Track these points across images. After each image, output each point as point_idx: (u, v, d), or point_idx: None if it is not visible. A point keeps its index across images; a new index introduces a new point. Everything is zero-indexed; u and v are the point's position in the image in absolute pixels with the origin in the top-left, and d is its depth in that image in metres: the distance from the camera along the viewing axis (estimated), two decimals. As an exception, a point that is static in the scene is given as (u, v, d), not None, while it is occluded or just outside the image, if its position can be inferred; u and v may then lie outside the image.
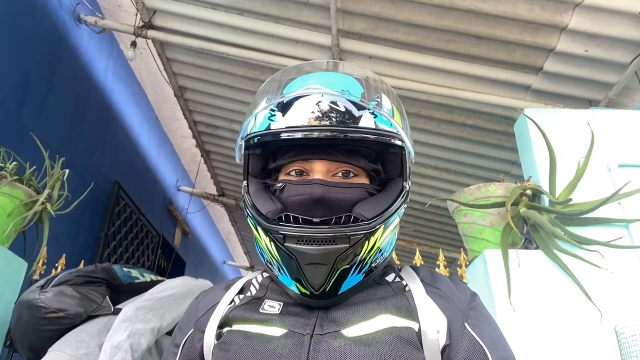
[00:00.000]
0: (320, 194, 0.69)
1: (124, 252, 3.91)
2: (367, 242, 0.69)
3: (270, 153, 0.79)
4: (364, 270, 0.71)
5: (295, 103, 0.72)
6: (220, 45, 2.81)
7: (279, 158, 0.77)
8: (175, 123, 4.74)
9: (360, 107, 0.72)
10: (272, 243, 0.71)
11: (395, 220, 0.74)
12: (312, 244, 0.67)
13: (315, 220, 0.69)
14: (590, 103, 2.40)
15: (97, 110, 3.58)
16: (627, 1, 1.93)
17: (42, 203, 1.91)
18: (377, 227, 0.70)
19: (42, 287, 1.57)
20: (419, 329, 0.67)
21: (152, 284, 1.71)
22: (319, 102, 0.71)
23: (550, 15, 2.07)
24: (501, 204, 1.81)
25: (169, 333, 1.66)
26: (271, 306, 0.73)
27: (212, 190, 5.31)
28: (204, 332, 0.74)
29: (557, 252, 1.74)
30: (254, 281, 0.81)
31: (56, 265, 2.39)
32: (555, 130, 2.03)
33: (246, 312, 0.72)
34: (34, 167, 1.97)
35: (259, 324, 0.70)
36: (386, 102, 0.76)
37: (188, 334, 0.76)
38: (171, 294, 1.58)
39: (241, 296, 0.78)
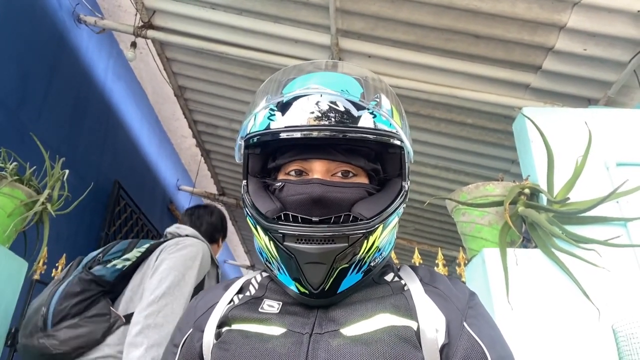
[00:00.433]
0: (320, 193, 0.70)
1: (124, 251, 3.91)
2: (366, 241, 0.70)
3: (269, 153, 0.79)
4: (362, 270, 0.72)
5: (295, 103, 0.73)
6: (219, 45, 2.82)
7: (278, 157, 0.77)
8: (175, 123, 4.74)
9: (359, 107, 0.73)
10: (271, 242, 0.71)
11: (394, 220, 0.75)
12: (311, 243, 0.68)
13: (314, 219, 0.69)
14: (589, 102, 2.40)
15: (97, 111, 3.59)
16: (626, 0, 1.93)
17: (43, 203, 1.91)
18: (376, 226, 0.70)
19: (42, 328, 1.53)
20: (418, 328, 0.67)
21: (140, 259, 1.70)
22: (318, 101, 0.72)
23: (549, 14, 2.07)
24: (499, 203, 1.82)
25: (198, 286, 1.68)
26: (270, 306, 0.73)
27: (213, 189, 5.32)
28: (203, 331, 0.74)
29: (555, 251, 1.74)
30: (253, 281, 0.81)
31: (56, 265, 2.40)
32: (553, 129, 2.04)
33: (245, 312, 0.72)
34: (34, 167, 1.97)
35: (258, 323, 0.70)
36: (385, 102, 0.76)
37: (187, 334, 0.77)
38: (171, 283, 1.56)
39: (240, 296, 0.78)
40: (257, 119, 0.75)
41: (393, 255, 2.00)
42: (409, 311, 0.69)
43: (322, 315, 0.70)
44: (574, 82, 2.34)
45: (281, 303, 0.73)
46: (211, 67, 3.23)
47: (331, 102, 0.72)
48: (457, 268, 2.22)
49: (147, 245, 1.73)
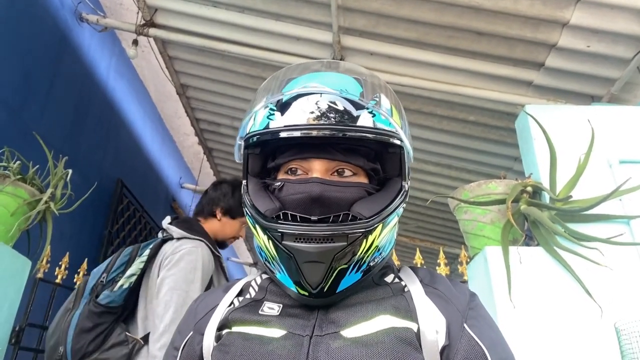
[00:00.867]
0: (319, 192, 0.69)
1: (127, 249, 3.92)
2: (365, 240, 0.70)
3: (269, 152, 0.79)
4: (362, 269, 0.71)
5: (294, 102, 0.73)
6: (221, 43, 2.82)
7: (278, 157, 0.77)
8: (178, 121, 4.75)
9: (358, 106, 0.72)
10: (270, 241, 0.71)
11: (393, 220, 0.75)
12: (310, 242, 0.67)
13: (313, 218, 0.69)
14: (592, 99, 2.39)
15: (100, 109, 3.59)
16: (629, -4, 1.92)
17: (46, 202, 1.92)
18: (375, 225, 0.70)
19: None
20: (418, 329, 0.67)
21: (143, 270, 1.67)
22: (318, 101, 0.72)
23: (552, 10, 2.06)
24: (502, 201, 1.81)
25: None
26: (270, 308, 0.73)
27: (215, 187, 5.32)
28: (203, 334, 0.74)
29: (558, 249, 1.74)
30: (253, 283, 0.81)
31: (60, 263, 2.41)
32: (556, 126, 2.03)
33: (245, 314, 0.72)
34: (37, 166, 1.98)
35: (258, 325, 0.70)
36: (385, 101, 0.76)
37: (187, 337, 0.77)
38: (177, 305, 1.55)
39: (240, 298, 0.78)
40: (257, 119, 0.75)
41: (395, 257, 2.01)
42: (409, 313, 0.69)
43: (323, 317, 0.70)
44: (577, 79, 2.33)
45: (281, 305, 0.73)
46: (213, 65, 3.23)
47: (330, 102, 0.72)
48: (459, 266, 2.22)
49: (147, 253, 1.70)
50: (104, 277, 1.67)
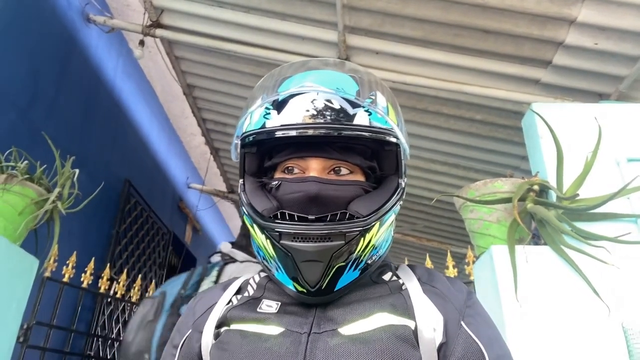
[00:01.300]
0: (316, 191, 0.69)
1: (135, 249, 3.95)
2: (362, 239, 0.70)
3: (265, 151, 0.79)
4: (359, 267, 0.72)
5: (291, 101, 0.73)
6: (227, 43, 2.82)
7: (274, 156, 0.77)
8: (185, 121, 4.76)
9: (354, 105, 0.72)
10: (268, 241, 0.71)
11: (390, 217, 0.75)
12: (307, 241, 0.68)
13: (310, 217, 0.69)
14: (600, 97, 2.37)
15: (107, 109, 3.62)
16: (637, -7, 1.90)
17: (53, 201, 1.93)
18: (373, 224, 0.70)
19: None
20: (415, 327, 0.67)
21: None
22: (314, 100, 0.72)
23: (559, 8, 2.04)
24: (508, 200, 1.80)
25: None
26: (269, 306, 0.73)
27: (222, 187, 5.33)
28: (201, 332, 0.74)
29: (565, 248, 1.72)
30: (251, 281, 0.82)
31: (67, 262, 2.43)
32: (563, 124, 2.01)
33: (244, 312, 0.73)
34: (45, 166, 1.99)
35: (256, 323, 0.70)
36: (381, 99, 0.76)
37: (186, 335, 0.77)
38: None
39: (239, 296, 0.79)
40: (253, 118, 0.75)
41: (405, 260, 1.99)
42: (407, 310, 0.69)
43: (321, 315, 0.70)
44: (584, 77, 2.31)
45: (279, 303, 0.73)
46: (219, 65, 3.24)
47: (326, 100, 0.72)
48: (466, 267, 2.21)
49: (215, 273, 1.78)
50: (182, 293, 1.74)
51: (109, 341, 3.25)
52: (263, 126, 0.73)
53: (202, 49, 3.05)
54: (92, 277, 2.57)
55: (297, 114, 0.71)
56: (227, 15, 2.71)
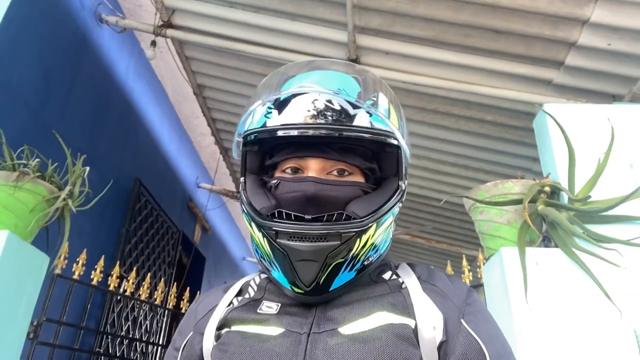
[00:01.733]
0: (314, 191, 0.70)
1: (144, 248, 3.97)
2: (358, 240, 0.70)
3: (267, 150, 0.80)
4: (355, 268, 0.72)
5: (292, 101, 0.73)
6: (237, 43, 2.83)
7: (275, 155, 0.78)
8: (195, 121, 4.79)
9: (355, 106, 0.73)
10: (265, 239, 0.72)
11: (389, 219, 0.75)
12: (303, 241, 0.68)
13: (307, 217, 0.70)
14: (613, 98, 2.34)
15: (119, 109, 3.65)
16: (651, -8, 1.87)
17: (64, 199, 1.95)
18: (370, 225, 0.70)
19: None
20: (415, 325, 0.67)
21: None
22: (315, 100, 0.72)
23: (571, 8, 2.02)
24: (518, 201, 1.78)
25: None
26: (269, 307, 0.74)
27: (231, 187, 5.35)
28: (203, 334, 0.75)
29: (576, 251, 1.70)
30: (252, 283, 0.82)
31: (77, 260, 2.45)
32: (575, 126, 1.99)
33: (244, 313, 0.73)
34: (56, 164, 2.01)
35: (256, 324, 0.71)
36: (383, 101, 0.76)
37: (187, 337, 0.78)
38: None
39: (239, 298, 0.79)
40: (255, 117, 0.76)
41: (416, 255, 1.98)
42: (407, 309, 0.69)
43: (320, 315, 0.70)
44: (597, 78, 2.28)
45: (280, 304, 0.74)
46: (229, 66, 3.25)
47: (328, 101, 0.72)
48: (477, 270, 2.19)
49: None
50: None
51: (118, 338, 3.28)
52: (264, 125, 0.73)
53: (213, 49, 3.06)
54: (101, 275, 2.59)
55: (298, 114, 0.71)
56: (237, 16, 2.72)
